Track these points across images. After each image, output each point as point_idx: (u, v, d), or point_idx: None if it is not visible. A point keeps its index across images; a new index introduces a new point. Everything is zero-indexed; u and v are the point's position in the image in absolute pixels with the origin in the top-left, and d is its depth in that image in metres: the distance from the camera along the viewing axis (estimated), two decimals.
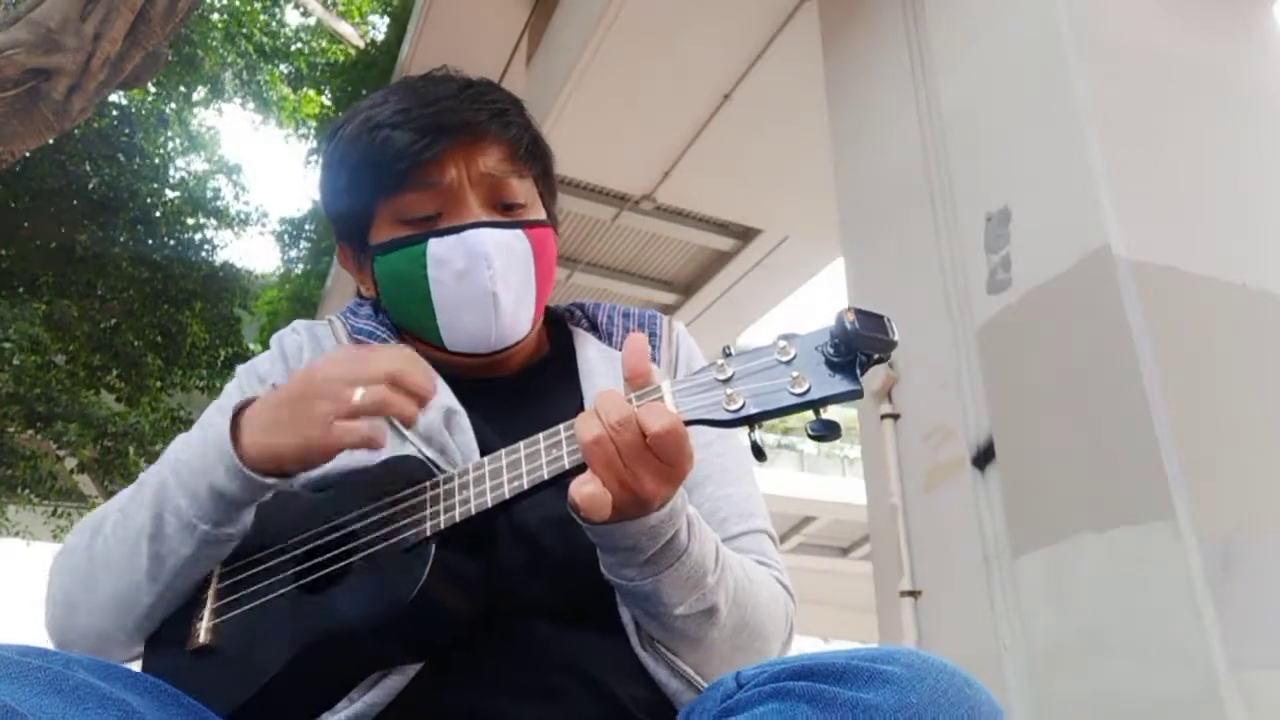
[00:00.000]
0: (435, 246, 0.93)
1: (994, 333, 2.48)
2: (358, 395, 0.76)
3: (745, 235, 6.18)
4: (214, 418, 0.99)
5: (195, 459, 0.81)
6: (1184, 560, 1.91)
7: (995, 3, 2.71)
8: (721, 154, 5.08)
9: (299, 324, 1.06)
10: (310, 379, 0.78)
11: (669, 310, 6.71)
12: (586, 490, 0.70)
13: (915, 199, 2.86)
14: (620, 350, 1.03)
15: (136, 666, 0.85)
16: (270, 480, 0.80)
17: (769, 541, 0.97)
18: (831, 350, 0.69)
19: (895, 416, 2.80)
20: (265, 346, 1.05)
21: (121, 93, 7.32)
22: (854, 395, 0.68)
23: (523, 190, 0.98)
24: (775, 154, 5.01)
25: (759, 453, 0.73)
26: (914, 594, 2.61)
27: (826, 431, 0.70)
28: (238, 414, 0.82)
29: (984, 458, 2.46)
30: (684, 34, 4.30)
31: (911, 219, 2.86)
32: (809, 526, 12.58)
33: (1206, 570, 1.90)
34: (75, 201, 7.36)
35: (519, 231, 0.96)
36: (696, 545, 0.79)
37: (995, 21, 2.69)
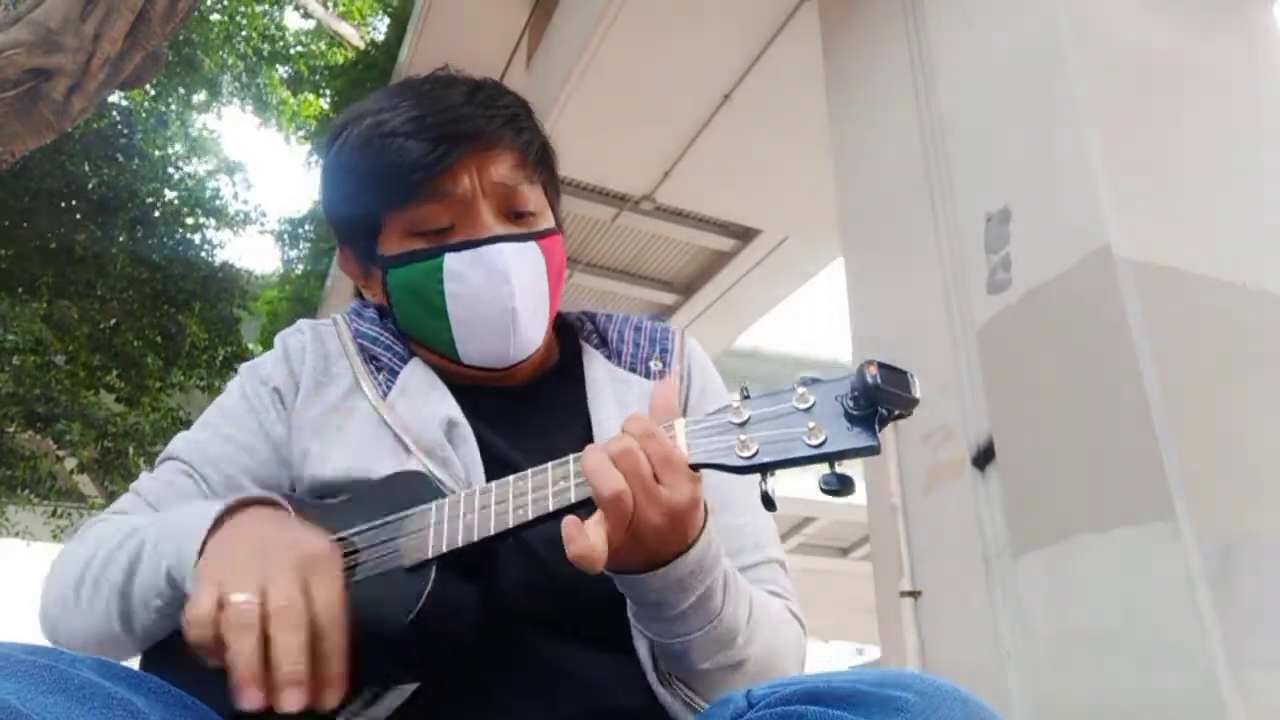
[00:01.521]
0: (452, 261, 0.92)
1: (994, 333, 2.48)
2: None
3: (745, 235, 6.18)
4: (214, 419, 0.98)
5: (168, 553, 0.78)
6: (1184, 560, 1.91)
7: (995, 3, 2.71)
8: (721, 154, 5.08)
9: (304, 323, 1.04)
10: (265, 584, 0.69)
11: (669, 310, 6.71)
12: (574, 549, 0.68)
13: (915, 199, 2.86)
14: (628, 369, 1.02)
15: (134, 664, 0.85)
16: None
17: (781, 571, 0.96)
18: (851, 403, 0.68)
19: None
20: (265, 346, 1.04)
21: (121, 93, 7.33)
22: (871, 451, 0.67)
23: (533, 197, 0.97)
24: (775, 154, 5.01)
25: (769, 503, 0.71)
26: (914, 594, 2.61)
27: (840, 486, 0.68)
28: (225, 515, 0.78)
29: (984, 458, 2.46)
30: (684, 34, 4.30)
31: (911, 219, 2.86)
32: (809, 526, 12.55)
33: (1206, 570, 1.90)
34: (75, 202, 7.36)
35: (533, 243, 0.95)
36: (730, 609, 0.78)
37: (995, 21, 2.69)
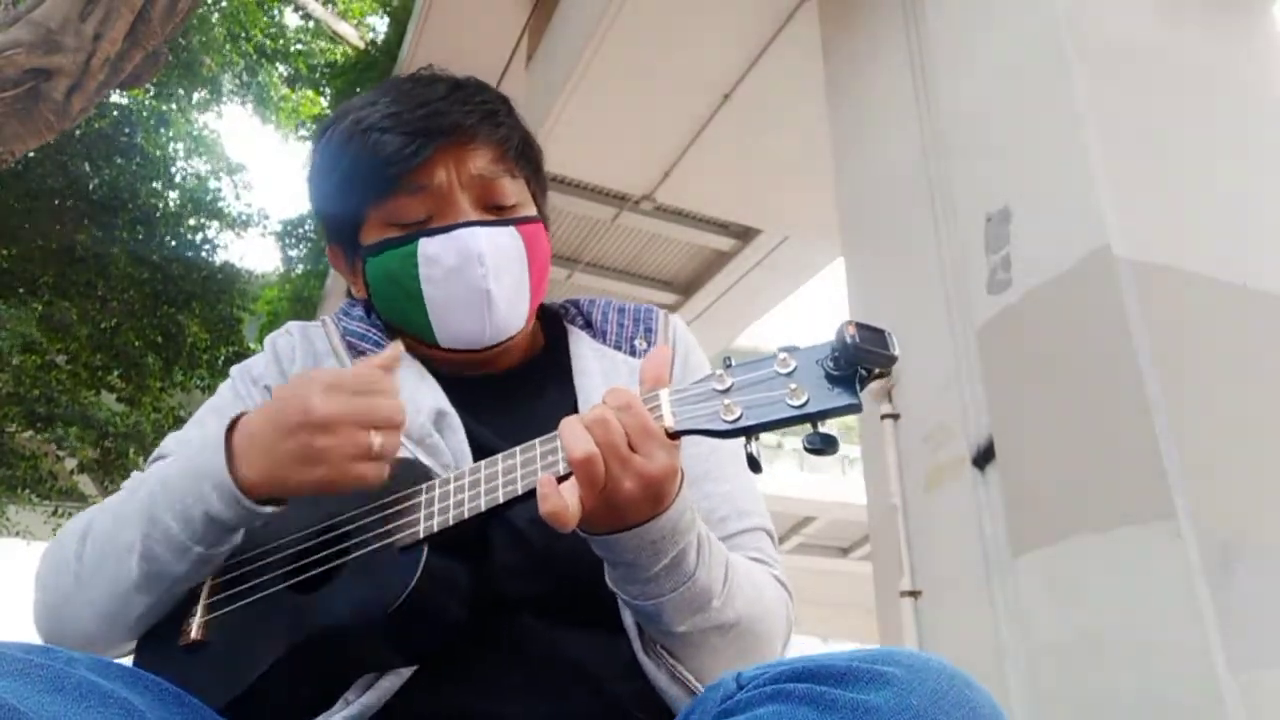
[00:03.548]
0: (426, 245, 0.93)
1: (994, 333, 2.48)
2: (376, 443, 0.75)
3: (745, 235, 6.18)
4: (207, 418, 0.99)
5: (187, 481, 0.79)
6: (1184, 560, 1.91)
7: (995, 3, 2.71)
8: (721, 154, 5.08)
9: (292, 325, 1.06)
10: (311, 413, 0.75)
11: (669, 310, 6.70)
12: (546, 507, 0.70)
13: (915, 199, 2.86)
14: (614, 348, 1.03)
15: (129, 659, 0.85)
16: (269, 509, 0.79)
17: (767, 538, 0.97)
18: (831, 364, 0.69)
19: (895, 416, 2.80)
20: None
21: (122, 93, 7.33)
22: (852, 409, 0.68)
23: (514, 191, 0.98)
24: (775, 154, 5.01)
25: (755, 465, 0.72)
26: (914, 594, 2.61)
27: (824, 445, 0.69)
28: (230, 433, 0.80)
29: (984, 458, 2.46)
30: (684, 34, 4.30)
31: (911, 219, 2.86)
32: (809, 526, 12.57)
33: (1206, 570, 1.90)
34: (76, 202, 7.37)
35: (510, 229, 0.96)
36: (704, 572, 0.79)
37: (995, 21, 2.69)
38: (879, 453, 2.81)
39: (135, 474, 0.97)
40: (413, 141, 0.91)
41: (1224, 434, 2.09)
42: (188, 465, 0.81)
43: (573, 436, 0.72)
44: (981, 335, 2.51)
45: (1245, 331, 2.24)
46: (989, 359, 2.49)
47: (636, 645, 0.85)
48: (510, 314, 0.97)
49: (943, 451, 2.59)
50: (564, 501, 0.70)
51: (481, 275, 0.93)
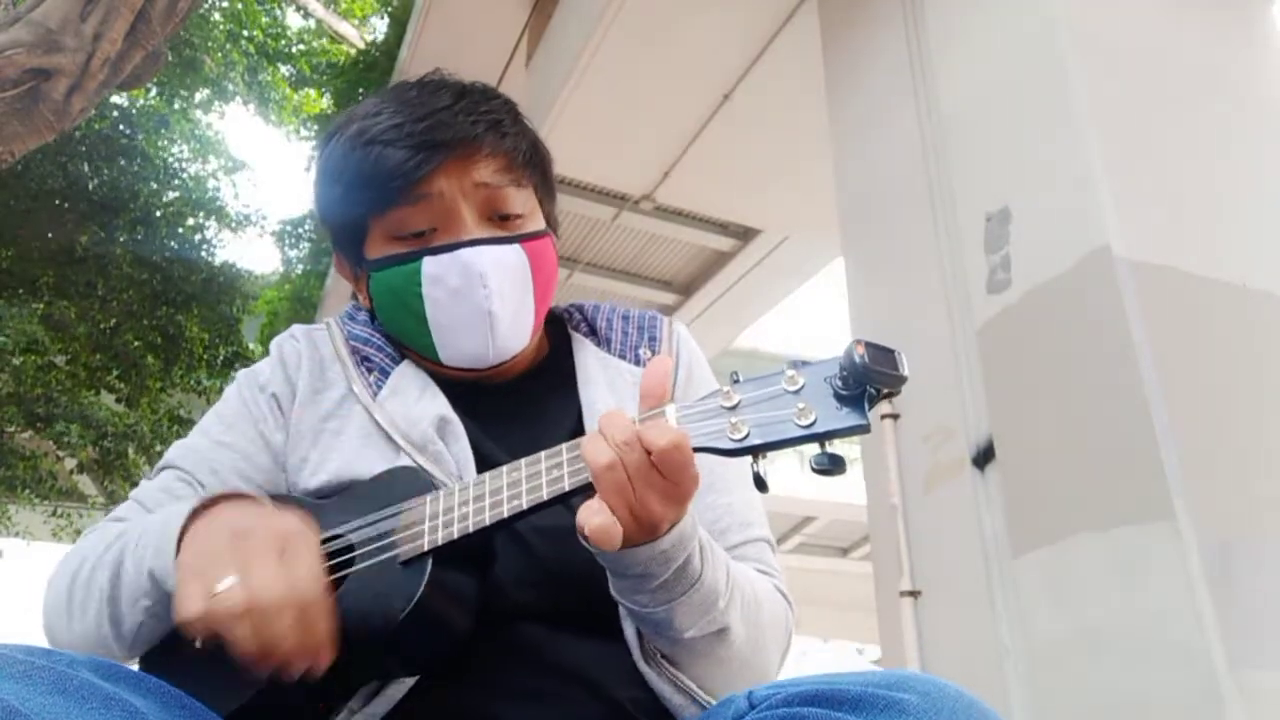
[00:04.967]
0: (430, 265, 0.92)
1: (994, 333, 2.48)
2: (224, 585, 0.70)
3: (745, 235, 6.17)
4: (211, 425, 0.99)
5: (149, 553, 0.80)
6: (1184, 560, 1.91)
7: (995, 3, 2.71)
8: (721, 154, 5.08)
9: (297, 330, 1.05)
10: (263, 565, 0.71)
11: (669, 310, 6.70)
12: (596, 522, 0.69)
13: (915, 199, 2.86)
14: (618, 356, 1.03)
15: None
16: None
17: (768, 549, 0.97)
18: (840, 383, 0.68)
19: (895, 416, 2.80)
20: (265, 346, 1.04)
21: (122, 94, 7.33)
22: (861, 430, 0.67)
23: (520, 200, 0.96)
24: (775, 154, 5.01)
25: (761, 484, 0.71)
26: (914, 594, 2.61)
27: (832, 465, 0.68)
28: (199, 511, 0.80)
29: (984, 458, 2.46)
30: (684, 34, 4.30)
31: (911, 219, 2.86)
32: (809, 526, 12.55)
33: (1206, 570, 1.90)
34: (76, 202, 7.37)
35: (515, 246, 0.95)
36: (710, 572, 0.79)
37: (995, 21, 2.69)
38: (879, 453, 2.81)
39: (143, 482, 0.97)
40: (416, 154, 0.90)
41: (1224, 434, 2.09)
42: (159, 531, 0.81)
43: (596, 451, 0.71)
44: (981, 335, 2.51)
45: (1245, 331, 2.24)
46: (989, 359, 2.49)
47: (636, 654, 0.85)
48: (513, 333, 0.96)
49: (943, 451, 2.59)
50: (608, 519, 0.69)
51: (485, 296, 0.92)
